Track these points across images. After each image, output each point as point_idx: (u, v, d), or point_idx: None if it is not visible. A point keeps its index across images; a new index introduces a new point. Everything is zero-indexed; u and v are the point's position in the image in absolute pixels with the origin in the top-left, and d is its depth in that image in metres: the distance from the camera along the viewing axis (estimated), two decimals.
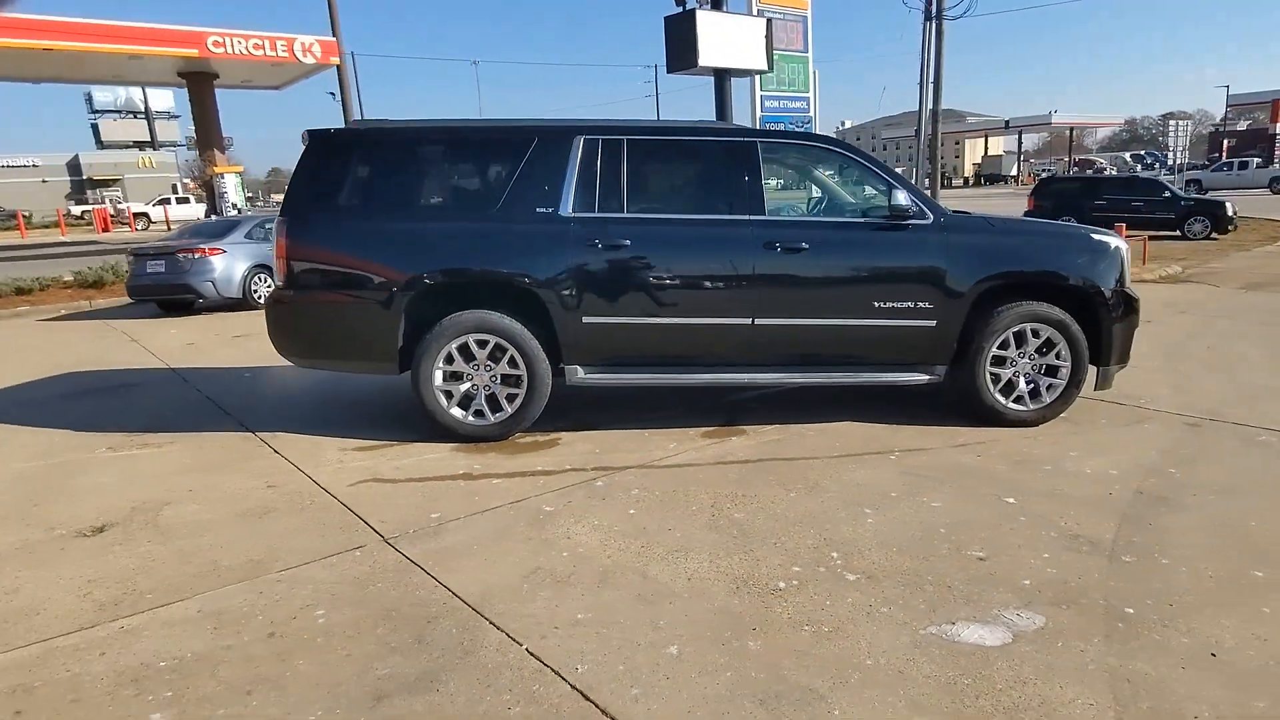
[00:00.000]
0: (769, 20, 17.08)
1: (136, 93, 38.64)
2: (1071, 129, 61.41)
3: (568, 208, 4.63)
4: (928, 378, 4.77)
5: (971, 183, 66.31)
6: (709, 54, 16.25)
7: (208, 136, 25.54)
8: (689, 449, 4.52)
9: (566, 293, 4.60)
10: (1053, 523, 3.38)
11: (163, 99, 40.32)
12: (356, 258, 4.67)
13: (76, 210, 50.61)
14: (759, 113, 19.31)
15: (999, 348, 4.72)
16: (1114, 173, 44.96)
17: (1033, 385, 4.80)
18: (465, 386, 4.71)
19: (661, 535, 3.37)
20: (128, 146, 45.30)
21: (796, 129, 20.08)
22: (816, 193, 6.10)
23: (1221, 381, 5.60)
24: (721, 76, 16.93)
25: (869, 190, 4.94)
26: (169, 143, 42.42)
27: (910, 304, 4.67)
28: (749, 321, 4.67)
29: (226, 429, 5.15)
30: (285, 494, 3.99)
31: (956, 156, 78.89)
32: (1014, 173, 61.98)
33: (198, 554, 3.33)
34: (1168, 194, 17.46)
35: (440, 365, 4.65)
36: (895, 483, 3.90)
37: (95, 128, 39.50)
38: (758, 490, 3.85)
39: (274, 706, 2.30)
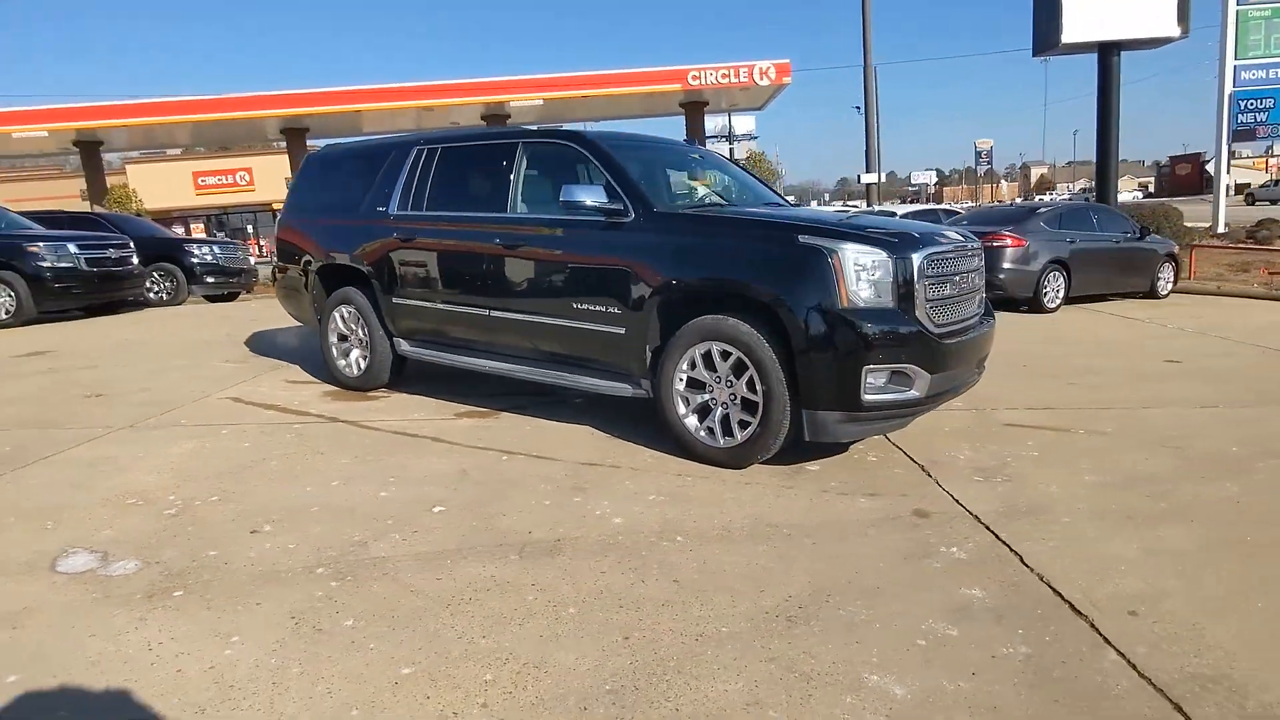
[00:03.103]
0: None
1: (725, 119, 46.93)
2: None
3: (393, 207, 5.47)
4: (632, 390, 4.28)
5: None
6: (1075, 28, 13.03)
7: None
8: (420, 420, 4.98)
9: (383, 277, 5.49)
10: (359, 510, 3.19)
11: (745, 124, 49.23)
12: (299, 245, 6.27)
13: None
14: (1228, 88, 14.58)
15: (690, 367, 3.98)
16: None
17: (726, 418, 3.90)
18: (346, 345, 5.96)
19: (211, 459, 4.21)
20: None
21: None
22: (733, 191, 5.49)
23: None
24: (1107, 52, 13.23)
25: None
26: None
27: (601, 308, 4.29)
28: (486, 313, 4.88)
29: (284, 360, 7.29)
30: (195, 398, 5.80)
31: None
32: None
33: (83, 414, 5.31)
34: None
35: (331, 327, 5.99)
36: (432, 474, 3.90)
37: None
38: (346, 454, 4.27)
39: None
